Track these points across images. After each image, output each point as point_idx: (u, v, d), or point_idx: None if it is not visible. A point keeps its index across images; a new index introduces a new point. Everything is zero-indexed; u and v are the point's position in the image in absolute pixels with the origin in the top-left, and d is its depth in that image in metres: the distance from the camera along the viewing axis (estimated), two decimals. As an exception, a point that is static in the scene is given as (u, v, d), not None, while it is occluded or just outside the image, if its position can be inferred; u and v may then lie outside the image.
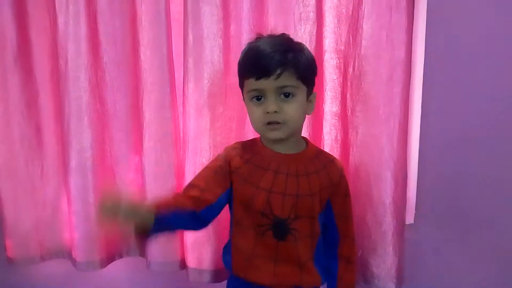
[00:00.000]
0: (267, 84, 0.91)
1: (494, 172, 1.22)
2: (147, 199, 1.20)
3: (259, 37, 0.98)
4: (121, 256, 1.30)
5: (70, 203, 1.23)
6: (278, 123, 0.93)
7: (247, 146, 1.03)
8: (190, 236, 1.20)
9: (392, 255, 1.17)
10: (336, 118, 1.20)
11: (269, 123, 0.93)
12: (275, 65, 0.90)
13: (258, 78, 0.91)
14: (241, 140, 1.10)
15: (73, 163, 1.20)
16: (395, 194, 1.15)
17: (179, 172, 1.21)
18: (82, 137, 1.19)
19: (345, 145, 1.19)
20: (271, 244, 0.96)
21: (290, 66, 0.91)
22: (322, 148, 1.18)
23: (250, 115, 0.98)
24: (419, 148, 1.22)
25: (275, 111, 0.92)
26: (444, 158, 1.23)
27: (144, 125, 1.18)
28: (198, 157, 1.17)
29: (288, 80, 0.92)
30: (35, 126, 1.23)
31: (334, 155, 1.11)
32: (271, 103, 0.92)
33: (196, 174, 1.01)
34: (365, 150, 1.15)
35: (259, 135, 1.05)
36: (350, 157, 1.17)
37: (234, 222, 1.00)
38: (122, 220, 0.79)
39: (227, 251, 1.02)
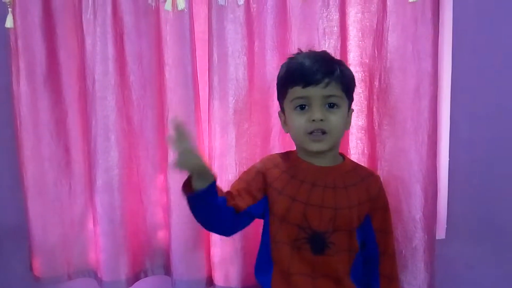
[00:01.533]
0: (315, 91, 0.92)
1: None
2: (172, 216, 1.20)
3: (300, 52, 1.00)
4: (146, 275, 1.30)
5: (96, 222, 1.24)
6: (323, 132, 0.93)
7: (284, 157, 1.03)
8: (217, 253, 1.19)
9: (423, 271, 1.14)
10: (363, 132, 1.19)
11: (312, 133, 0.93)
12: (324, 74, 0.92)
13: (305, 85, 0.92)
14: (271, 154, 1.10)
15: (100, 181, 1.20)
16: (425, 208, 1.13)
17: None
18: (109, 155, 1.19)
19: (372, 159, 1.17)
20: (308, 259, 0.95)
21: (337, 77, 0.93)
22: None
23: (292, 124, 0.96)
24: (449, 161, 1.19)
25: (321, 119, 0.91)
26: (475, 170, 1.20)
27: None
28: (224, 173, 1.17)
29: (334, 90, 0.93)
30: (64, 146, 1.25)
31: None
32: (317, 111, 0.92)
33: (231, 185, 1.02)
34: (394, 164, 1.14)
35: (290, 149, 1.04)
36: (378, 171, 1.15)
37: (271, 239, 0.99)
38: (187, 153, 0.82)
39: (261, 271, 1.00)
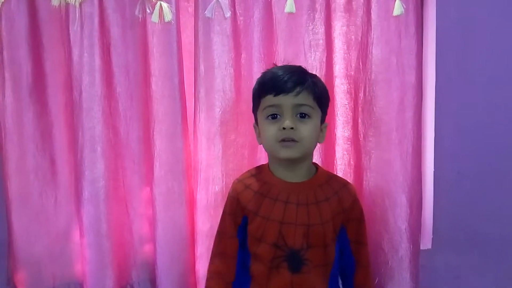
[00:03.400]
0: (286, 100, 0.92)
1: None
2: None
3: (275, 65, 1.02)
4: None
5: (82, 234, 1.22)
6: (293, 140, 0.92)
7: (255, 175, 1.02)
8: (202, 267, 1.18)
9: (409, 281, 1.15)
10: (349, 143, 1.20)
11: (283, 140, 0.93)
12: (295, 82, 0.92)
13: (277, 93, 0.93)
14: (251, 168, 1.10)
15: (86, 193, 1.19)
16: (411, 218, 1.14)
17: (191, 202, 1.21)
18: (95, 167, 1.18)
19: (358, 170, 1.19)
20: (286, 277, 0.95)
21: (308, 86, 0.94)
22: (334, 173, 1.17)
23: (263, 133, 0.97)
24: (434, 171, 1.21)
25: (291, 128, 0.91)
26: (460, 180, 1.22)
27: (155, 155, 1.18)
28: (211, 185, 1.17)
29: (306, 99, 0.93)
30: (49, 157, 1.24)
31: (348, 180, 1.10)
32: (288, 120, 0.92)
33: (219, 221, 1.05)
34: (379, 174, 1.15)
35: (266, 162, 1.04)
36: (364, 182, 1.16)
37: (251, 255, 0.99)
38: None
39: (239, 285, 1.00)
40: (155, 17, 1.14)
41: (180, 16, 1.18)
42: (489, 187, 1.22)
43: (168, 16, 1.14)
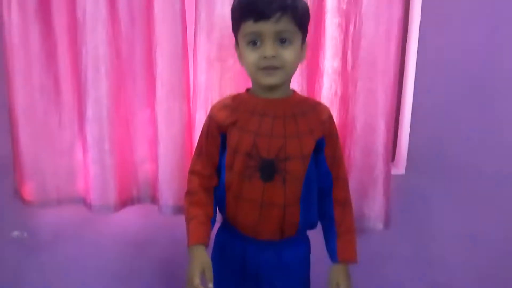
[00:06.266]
0: (266, 27, 0.91)
1: (483, 127, 1.31)
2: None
3: None
4: (133, 203, 1.38)
5: (86, 151, 1.30)
6: (275, 68, 0.93)
7: (234, 97, 1.04)
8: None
9: (382, 198, 1.27)
10: (337, 74, 1.29)
11: (264, 68, 0.93)
12: (276, 8, 0.90)
13: (257, 20, 0.91)
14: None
15: (90, 112, 1.27)
16: (387, 143, 1.25)
17: (189, 122, 1.30)
18: (98, 87, 1.25)
19: (344, 99, 1.28)
20: (258, 187, 0.98)
21: (289, 10, 0.91)
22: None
23: (245, 59, 0.97)
24: (413, 103, 1.31)
25: (273, 56, 0.92)
26: (436, 113, 1.32)
27: (157, 76, 1.24)
28: (209, 107, 1.25)
29: (287, 25, 0.92)
30: (54, 76, 1.29)
31: (333, 109, 1.18)
32: (269, 48, 0.92)
33: (196, 145, 1.08)
34: (362, 102, 1.24)
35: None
36: (349, 109, 1.26)
37: (226, 167, 1.03)
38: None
39: (218, 198, 1.06)
40: None
41: None
42: (462, 121, 1.32)
43: None
